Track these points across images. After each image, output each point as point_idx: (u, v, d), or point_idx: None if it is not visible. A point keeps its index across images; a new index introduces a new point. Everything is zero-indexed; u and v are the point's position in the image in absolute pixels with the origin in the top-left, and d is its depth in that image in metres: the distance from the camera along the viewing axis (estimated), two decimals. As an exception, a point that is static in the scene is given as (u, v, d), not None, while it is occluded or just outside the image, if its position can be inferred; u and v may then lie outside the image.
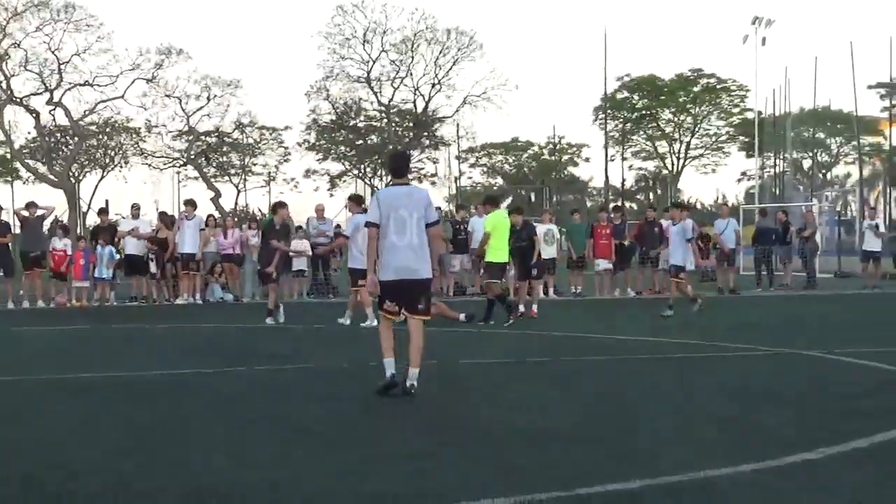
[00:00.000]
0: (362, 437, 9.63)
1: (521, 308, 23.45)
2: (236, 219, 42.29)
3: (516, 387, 12.87)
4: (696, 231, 25.40)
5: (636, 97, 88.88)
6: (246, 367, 14.81)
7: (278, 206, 23.58)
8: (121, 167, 73.77)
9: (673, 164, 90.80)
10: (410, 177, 58.08)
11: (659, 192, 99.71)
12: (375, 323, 18.60)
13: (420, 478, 7.93)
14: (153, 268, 29.05)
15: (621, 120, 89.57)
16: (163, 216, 31.60)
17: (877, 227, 33.95)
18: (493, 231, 22.36)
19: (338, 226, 32.55)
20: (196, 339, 19.72)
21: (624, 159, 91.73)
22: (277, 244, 22.40)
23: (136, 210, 30.84)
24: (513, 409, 11.15)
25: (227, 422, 10.45)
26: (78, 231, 51.98)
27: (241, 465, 8.40)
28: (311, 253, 30.35)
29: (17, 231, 31.30)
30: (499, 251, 22.38)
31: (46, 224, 30.94)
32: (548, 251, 30.25)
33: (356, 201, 23.96)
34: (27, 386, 13.23)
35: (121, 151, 72.81)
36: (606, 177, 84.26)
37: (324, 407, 11.34)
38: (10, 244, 29.44)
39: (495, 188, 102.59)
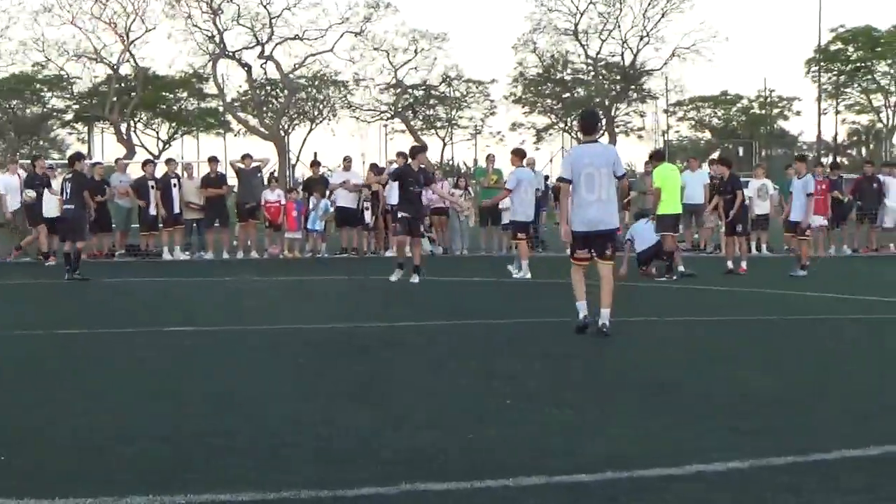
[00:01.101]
0: (582, 396, 9.47)
1: (730, 264, 23.36)
2: (441, 172, 42.39)
3: (729, 346, 12.59)
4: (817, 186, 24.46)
5: (851, 49, 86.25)
6: (455, 321, 14.78)
7: (417, 151, 22.96)
8: (329, 120, 74.65)
9: (888, 119, 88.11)
10: (618, 130, 58.10)
11: (872, 146, 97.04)
12: (528, 275, 21.56)
13: (649, 440, 7.74)
14: (367, 218, 29.22)
15: (835, 72, 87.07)
16: (373, 168, 31.73)
17: None
18: (663, 184, 22.26)
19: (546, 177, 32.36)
20: (408, 293, 19.71)
21: (837, 113, 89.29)
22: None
23: (347, 163, 31.03)
24: (730, 368, 10.89)
25: (447, 376, 10.41)
26: (287, 182, 52.73)
27: (465, 421, 8.32)
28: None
29: (233, 182, 31.91)
30: (670, 203, 22.26)
31: (261, 175, 31.37)
32: (761, 206, 29.72)
33: (518, 155, 23.80)
34: (250, 337, 13.38)
35: (329, 104, 73.62)
36: (819, 131, 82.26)
37: (540, 363, 11.22)
38: (225, 195, 30.03)
39: (703, 142, 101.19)
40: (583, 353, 11.97)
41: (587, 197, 12.92)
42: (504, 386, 9.80)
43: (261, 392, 9.63)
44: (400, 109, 72.50)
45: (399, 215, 21.96)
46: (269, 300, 18.91)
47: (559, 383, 10.06)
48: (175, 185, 28.57)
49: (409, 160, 22.20)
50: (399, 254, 21.94)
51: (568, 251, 13.81)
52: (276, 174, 46.43)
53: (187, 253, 29.10)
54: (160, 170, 29.48)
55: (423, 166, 22.24)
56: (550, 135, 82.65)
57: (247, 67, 65.16)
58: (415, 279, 20.74)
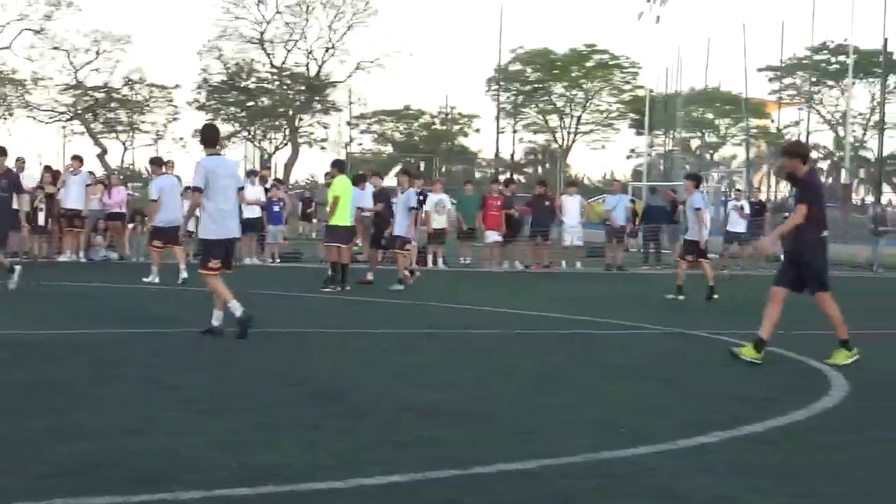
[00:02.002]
0: (249, 405, 9.40)
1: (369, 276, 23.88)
2: (122, 176, 41.68)
3: (403, 358, 12.73)
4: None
5: (529, 70, 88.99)
6: (128, 330, 14.49)
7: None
8: (4, 119, 72.27)
9: (563, 139, 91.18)
10: (301, 140, 58.18)
11: (548, 166, 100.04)
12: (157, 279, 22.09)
13: (310, 450, 7.74)
14: (41, 220, 28.33)
15: (514, 92, 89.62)
16: (48, 170, 30.83)
17: (742, 208, 33.68)
18: (342, 195, 22.24)
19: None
20: (80, 299, 19.24)
21: (515, 132, 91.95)
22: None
23: (20, 164, 30.03)
24: (400, 381, 11.00)
25: (108, 385, 10.20)
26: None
27: (123, 433, 8.15)
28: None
29: None
30: (344, 215, 22.33)
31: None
32: (438, 221, 30.31)
33: (157, 164, 25.19)
34: None
35: (5, 103, 71.30)
36: (497, 148, 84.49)
37: (208, 373, 11.11)
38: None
39: (385, 156, 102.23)
40: (243, 361, 11.88)
41: (224, 206, 13.86)
42: (168, 396, 9.67)
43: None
44: (80, 111, 70.84)
45: None
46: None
47: (223, 393, 9.96)
48: None
49: None
50: None
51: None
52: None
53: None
54: None
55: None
56: (234, 143, 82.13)
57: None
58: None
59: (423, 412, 9.31)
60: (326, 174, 29.90)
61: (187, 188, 21.88)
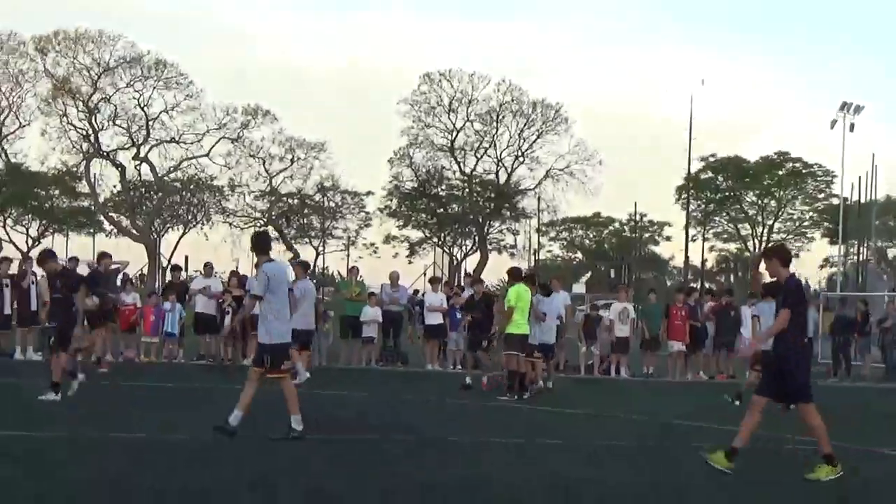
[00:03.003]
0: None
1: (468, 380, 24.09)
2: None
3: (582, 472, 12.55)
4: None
5: (720, 178, 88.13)
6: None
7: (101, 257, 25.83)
8: (202, 224, 74.02)
9: (755, 247, 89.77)
10: (490, 246, 58.51)
11: (740, 274, 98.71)
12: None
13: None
14: (227, 323, 28.78)
15: (704, 200, 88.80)
16: (234, 275, 31.44)
17: None
18: (516, 304, 22.24)
19: (416, 292, 32.52)
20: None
21: (705, 240, 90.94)
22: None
23: (209, 269, 30.74)
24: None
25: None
26: (157, 285, 52.18)
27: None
28: (381, 320, 30.18)
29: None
30: (520, 323, 22.35)
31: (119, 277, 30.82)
32: (622, 330, 30.08)
33: (303, 267, 25.86)
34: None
35: (203, 209, 73.10)
36: (686, 256, 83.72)
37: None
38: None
39: (575, 262, 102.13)
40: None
41: (283, 311, 14.39)
42: None
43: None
44: (274, 217, 72.29)
45: None
46: (113, 405, 18.50)
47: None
48: (32, 283, 28.04)
49: None
50: None
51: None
52: (130, 275, 45.77)
53: (40, 353, 28.44)
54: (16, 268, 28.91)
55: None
56: (424, 249, 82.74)
57: (121, 168, 64.98)
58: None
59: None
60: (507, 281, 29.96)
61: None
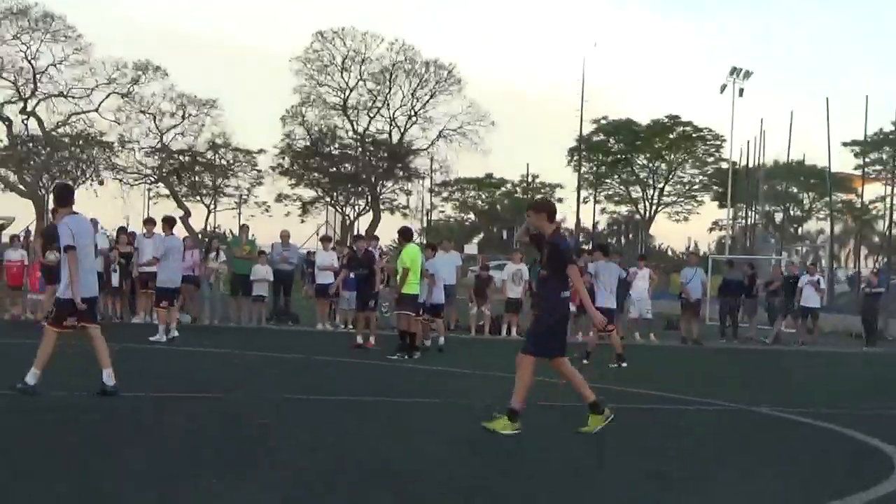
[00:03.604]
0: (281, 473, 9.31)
1: (359, 339, 24.17)
2: (204, 239, 41.90)
3: (465, 432, 12.56)
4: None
5: (612, 140, 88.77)
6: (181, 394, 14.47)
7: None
8: (92, 181, 72.93)
9: (646, 210, 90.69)
10: (383, 206, 58.31)
11: (631, 236, 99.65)
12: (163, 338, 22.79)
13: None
14: (115, 281, 28.48)
15: (596, 162, 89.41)
16: (122, 231, 31.02)
17: (818, 282, 33.70)
18: (411, 265, 22.35)
19: (310, 252, 32.42)
20: (144, 362, 19.30)
21: (597, 202, 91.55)
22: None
23: (94, 225, 30.23)
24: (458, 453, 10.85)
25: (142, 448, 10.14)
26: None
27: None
28: (272, 279, 30.06)
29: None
30: (414, 284, 22.46)
31: (5, 236, 30.28)
32: (514, 291, 30.29)
33: (169, 223, 25.74)
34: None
35: (93, 165, 71.99)
36: (578, 219, 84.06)
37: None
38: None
39: (467, 223, 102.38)
40: (297, 434, 11.78)
41: (86, 264, 13.79)
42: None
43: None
44: (165, 174, 71.48)
45: None
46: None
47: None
48: None
49: None
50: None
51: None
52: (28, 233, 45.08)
53: None
54: None
55: None
56: (316, 208, 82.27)
57: (7, 122, 63.83)
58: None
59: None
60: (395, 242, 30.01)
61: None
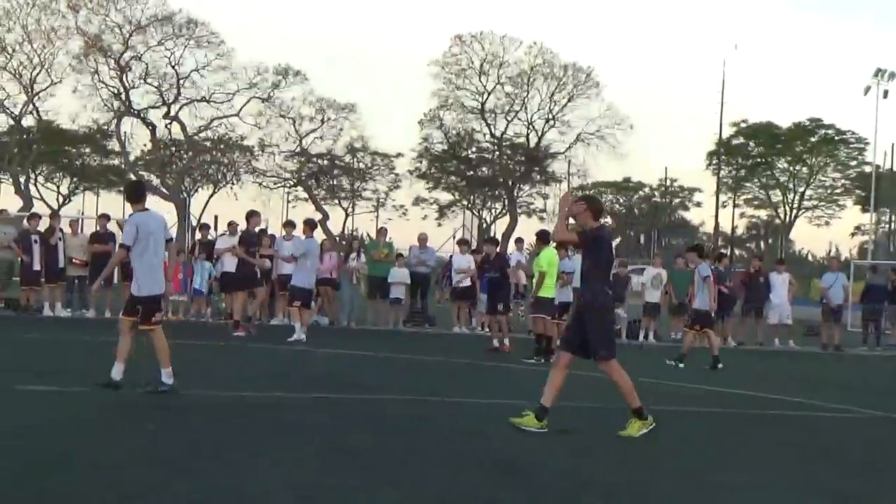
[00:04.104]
0: (426, 476, 9.30)
1: (495, 342, 24.08)
2: (343, 242, 42.18)
3: (595, 433, 12.47)
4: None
5: (752, 144, 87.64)
6: (329, 395, 14.58)
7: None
8: (232, 184, 73.87)
9: (786, 214, 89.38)
10: (520, 210, 58.26)
11: (770, 241, 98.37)
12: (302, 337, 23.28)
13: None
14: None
15: (735, 166, 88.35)
16: (263, 234, 31.33)
17: None
18: (548, 268, 22.29)
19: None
20: (282, 361, 19.50)
21: (736, 206, 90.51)
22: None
23: (233, 227, 30.47)
24: (589, 457, 10.78)
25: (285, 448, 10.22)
26: (186, 245, 52.25)
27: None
28: (408, 282, 30.21)
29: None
30: (550, 287, 22.42)
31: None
32: (653, 295, 30.05)
33: (309, 225, 26.02)
34: (99, 399, 13.04)
35: (233, 168, 72.95)
36: (717, 223, 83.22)
37: (393, 439, 11.06)
38: (111, 253, 29.60)
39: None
40: (429, 427, 11.78)
41: (153, 261, 13.75)
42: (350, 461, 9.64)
43: (98, 455, 9.36)
44: (303, 178, 72.19)
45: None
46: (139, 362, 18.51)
47: (401, 461, 9.89)
48: (60, 240, 28.22)
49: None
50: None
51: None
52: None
53: (68, 310, 28.59)
54: (45, 224, 29.02)
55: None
56: (453, 211, 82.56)
57: (151, 126, 64.96)
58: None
59: (603, 489, 9.09)
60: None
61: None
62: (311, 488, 8.49)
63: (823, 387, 20.73)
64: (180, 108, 64.39)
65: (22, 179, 66.10)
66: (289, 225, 29.18)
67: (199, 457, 9.57)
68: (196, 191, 74.64)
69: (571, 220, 12.33)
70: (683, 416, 14.71)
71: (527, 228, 73.42)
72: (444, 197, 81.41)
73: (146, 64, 63.13)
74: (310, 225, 25.83)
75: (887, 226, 77.42)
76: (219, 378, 16.16)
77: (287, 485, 8.55)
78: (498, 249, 26.10)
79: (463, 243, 32.80)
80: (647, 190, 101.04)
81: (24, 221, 29.89)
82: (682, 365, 22.41)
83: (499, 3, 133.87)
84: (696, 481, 9.88)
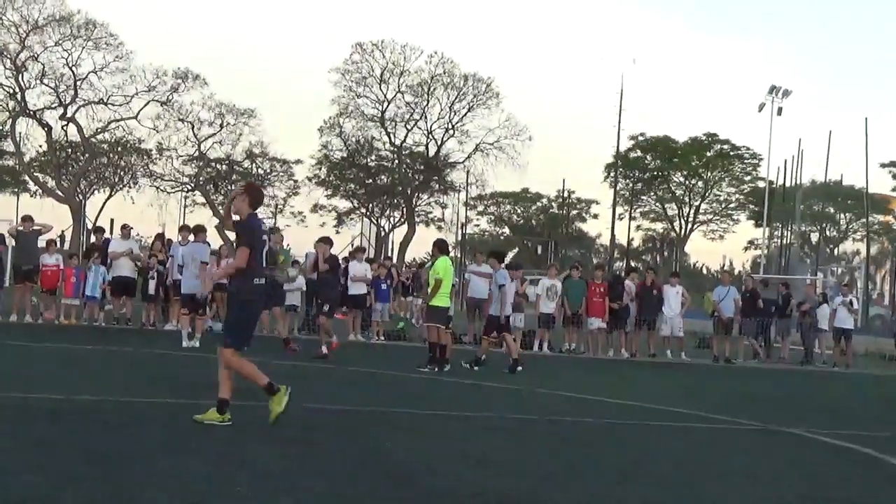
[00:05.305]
0: (321, 484, 9.33)
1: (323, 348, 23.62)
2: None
3: (489, 444, 12.58)
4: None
5: (649, 157, 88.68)
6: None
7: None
8: (129, 187, 73.38)
9: (681, 228, 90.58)
10: (418, 219, 58.31)
11: (666, 254, 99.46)
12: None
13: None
14: (151, 289, 28.68)
15: (632, 179, 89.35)
16: (158, 238, 31.19)
17: (851, 303, 33.57)
18: (444, 277, 22.43)
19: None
20: (174, 367, 19.40)
21: (632, 219, 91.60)
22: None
23: (126, 231, 30.10)
24: (481, 467, 10.86)
25: (176, 456, 10.18)
26: (81, 248, 51.68)
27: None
28: (304, 289, 30.12)
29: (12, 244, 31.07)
30: (445, 296, 22.64)
31: (42, 241, 30.27)
32: (548, 306, 30.21)
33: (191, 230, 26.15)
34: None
35: (130, 172, 72.52)
36: (613, 235, 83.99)
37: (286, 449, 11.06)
38: (1, 256, 29.31)
39: (502, 237, 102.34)
40: (324, 438, 11.80)
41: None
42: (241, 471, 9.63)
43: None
44: (201, 182, 71.87)
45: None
46: (30, 366, 18.36)
47: (297, 470, 9.90)
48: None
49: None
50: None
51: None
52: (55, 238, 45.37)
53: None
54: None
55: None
56: (352, 219, 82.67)
57: (47, 127, 64.32)
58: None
59: (495, 499, 9.17)
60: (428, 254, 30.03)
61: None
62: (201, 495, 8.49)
63: (710, 397, 21.03)
64: (77, 110, 63.98)
65: None
66: (184, 230, 28.98)
67: (89, 464, 9.50)
68: (92, 193, 74.13)
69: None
70: (583, 427, 14.86)
71: (425, 237, 73.74)
72: (343, 204, 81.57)
73: (43, 64, 62.71)
74: (199, 230, 25.83)
75: (779, 240, 78.49)
76: (110, 384, 16.02)
77: (174, 495, 8.53)
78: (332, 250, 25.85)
79: (359, 251, 32.78)
80: (545, 201, 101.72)
81: None
82: (476, 368, 22.89)
83: (400, 11, 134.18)
84: (598, 495, 10.00)
